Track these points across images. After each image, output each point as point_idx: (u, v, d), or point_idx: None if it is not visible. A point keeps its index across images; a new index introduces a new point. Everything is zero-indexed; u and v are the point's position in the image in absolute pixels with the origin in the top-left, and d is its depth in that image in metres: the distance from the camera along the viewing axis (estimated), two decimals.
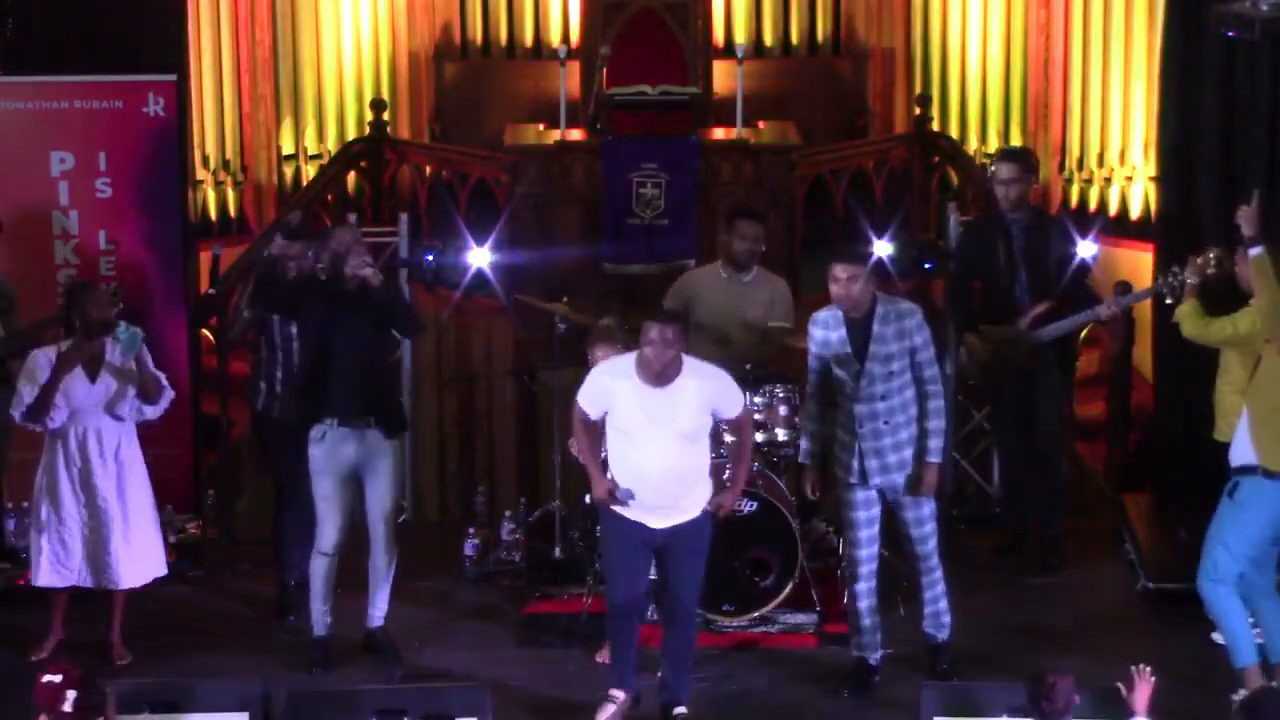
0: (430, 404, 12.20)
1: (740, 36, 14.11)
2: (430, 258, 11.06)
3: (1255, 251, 7.68)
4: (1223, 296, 8.16)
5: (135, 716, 6.61)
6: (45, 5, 10.73)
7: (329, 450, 8.29)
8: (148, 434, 8.68)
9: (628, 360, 7.64)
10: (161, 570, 8.70)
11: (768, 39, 14.45)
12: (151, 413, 8.53)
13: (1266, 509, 7.56)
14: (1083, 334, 10.40)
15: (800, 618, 8.87)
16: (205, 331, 11.08)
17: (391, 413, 8.47)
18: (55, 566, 8.49)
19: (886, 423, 7.97)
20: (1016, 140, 13.64)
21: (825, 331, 8.03)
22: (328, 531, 8.35)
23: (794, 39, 14.48)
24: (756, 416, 9.00)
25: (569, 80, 12.62)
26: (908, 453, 8.01)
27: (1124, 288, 9.96)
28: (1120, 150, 12.90)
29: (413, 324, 8.82)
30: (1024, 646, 8.61)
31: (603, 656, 8.37)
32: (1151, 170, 12.12)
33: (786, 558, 8.75)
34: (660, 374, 7.51)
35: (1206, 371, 8.60)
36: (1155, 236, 10.65)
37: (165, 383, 8.52)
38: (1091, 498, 11.00)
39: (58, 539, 8.46)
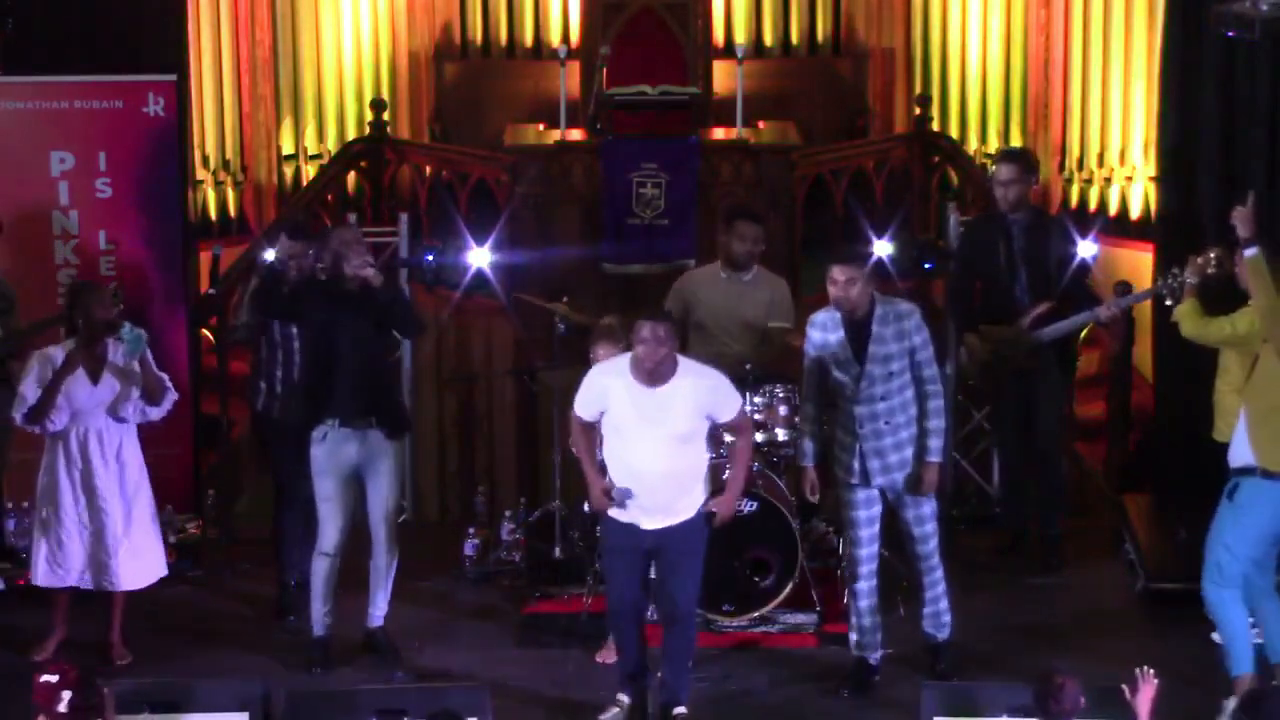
0: (430, 404, 12.20)
1: (740, 36, 14.11)
2: (430, 258, 11.06)
3: (1251, 252, 7.68)
4: (1222, 296, 8.16)
5: (135, 716, 6.61)
6: (45, 5, 10.73)
7: (330, 451, 8.29)
8: (148, 434, 8.68)
9: (623, 360, 7.64)
10: (162, 571, 8.71)
11: (768, 39, 14.44)
12: (155, 414, 8.53)
13: (1267, 510, 7.55)
14: (1083, 334, 10.39)
15: (800, 618, 8.87)
16: (205, 331, 11.08)
17: (393, 413, 8.47)
18: (55, 567, 8.50)
19: (887, 423, 7.97)
20: (1016, 140, 13.63)
21: (824, 333, 8.02)
22: (329, 532, 8.35)
23: (794, 39, 14.48)
24: (756, 416, 9.00)
25: (569, 80, 12.61)
26: (909, 452, 8.01)
27: (1124, 288, 9.97)
28: (1120, 150, 12.90)
29: (413, 324, 8.82)
30: (1024, 646, 8.61)
31: (603, 656, 8.38)
32: (1151, 170, 12.11)
33: (786, 558, 8.75)
34: (653, 373, 7.49)
35: (1206, 371, 8.60)
36: (1155, 236, 10.65)
37: (169, 384, 8.52)
38: (1091, 498, 11.00)
39: (57, 539, 8.47)
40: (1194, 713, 7.46)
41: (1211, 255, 8.24)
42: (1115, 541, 9.80)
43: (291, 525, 8.95)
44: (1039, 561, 9.63)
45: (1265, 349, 7.63)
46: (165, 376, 8.53)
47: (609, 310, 9.90)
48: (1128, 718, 6.28)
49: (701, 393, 7.57)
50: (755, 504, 8.70)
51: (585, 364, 8.21)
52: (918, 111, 13.42)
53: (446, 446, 12.38)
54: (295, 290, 8.56)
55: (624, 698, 7.82)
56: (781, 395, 9.06)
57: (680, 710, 7.76)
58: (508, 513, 10.00)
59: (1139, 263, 11.57)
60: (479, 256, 11.09)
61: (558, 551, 9.57)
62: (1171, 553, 9.22)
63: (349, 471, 8.34)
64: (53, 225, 10.19)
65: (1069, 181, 13.22)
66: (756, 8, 14.44)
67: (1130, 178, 12.83)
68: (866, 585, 8.13)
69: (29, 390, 8.36)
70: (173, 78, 10.35)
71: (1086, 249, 9.63)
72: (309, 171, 13.67)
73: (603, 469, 7.72)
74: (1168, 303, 8.66)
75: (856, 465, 8.02)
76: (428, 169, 13.06)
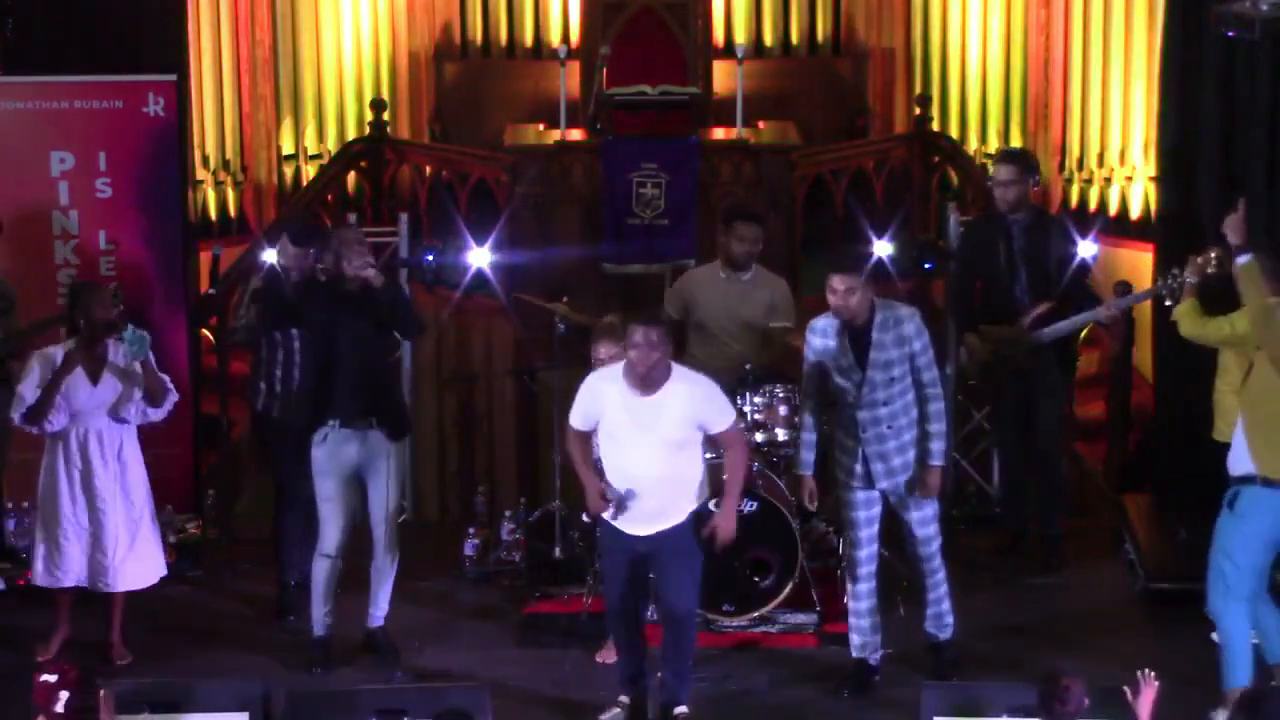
0: (430, 404, 12.19)
1: (740, 36, 14.11)
2: (430, 258, 11.05)
3: (1243, 260, 7.68)
4: (1222, 296, 8.15)
5: (135, 716, 6.61)
6: (45, 5, 10.73)
7: (331, 451, 8.29)
8: (148, 434, 8.69)
9: (617, 367, 7.63)
10: (161, 572, 8.70)
11: (768, 39, 14.44)
12: (155, 415, 8.53)
13: (1267, 518, 7.51)
14: (1083, 334, 10.39)
15: (800, 618, 8.87)
16: (205, 331, 11.08)
17: (394, 414, 8.47)
18: (53, 568, 8.49)
19: (890, 427, 7.97)
20: (1016, 140, 13.63)
21: (824, 340, 8.01)
22: (330, 533, 8.35)
23: (794, 39, 14.47)
24: (756, 416, 9.01)
25: (569, 80, 12.61)
26: (911, 455, 8.01)
27: (1124, 288, 9.97)
28: (1120, 150, 12.89)
29: (414, 324, 8.82)
30: (1024, 646, 8.61)
31: (603, 656, 8.38)
32: (1151, 170, 12.11)
33: (786, 558, 8.75)
34: (645, 378, 7.47)
35: (1206, 371, 8.60)
36: (1155, 236, 10.64)
37: (170, 385, 8.52)
38: (1091, 498, 10.99)
39: (56, 540, 8.46)
40: (1194, 713, 7.46)
41: (1211, 255, 8.23)
42: (1115, 541, 9.80)
43: (291, 525, 8.95)
44: (1039, 561, 9.63)
45: (1259, 356, 7.62)
46: (166, 377, 8.52)
47: (609, 310, 9.89)
48: (1129, 719, 6.28)
49: (695, 400, 7.54)
50: (755, 504, 8.70)
51: (585, 364, 8.21)
52: (918, 111, 13.42)
53: (446, 446, 12.38)
54: (296, 293, 8.56)
55: (624, 698, 7.82)
56: (781, 395, 9.06)
57: (680, 710, 7.76)
58: (508, 513, 10.00)
59: (1139, 263, 11.57)
60: (479, 256, 11.08)
61: (558, 551, 9.57)
62: (1171, 553, 9.22)
63: (350, 472, 8.34)
64: (53, 225, 10.18)
65: (1069, 181, 13.22)
66: (756, 8, 14.44)
67: (1130, 178, 12.83)
68: (866, 586, 8.13)
69: (28, 390, 8.36)
70: (173, 78, 10.35)
71: (1086, 249, 9.62)
72: (309, 171, 13.67)
73: (600, 472, 7.72)
74: (1167, 303, 8.66)
75: (859, 469, 8.02)
76: (428, 169, 13.06)
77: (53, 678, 6.14)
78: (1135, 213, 12.74)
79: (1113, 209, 12.82)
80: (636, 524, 7.63)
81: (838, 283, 7.88)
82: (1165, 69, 10.22)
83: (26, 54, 10.58)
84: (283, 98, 13.72)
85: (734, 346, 9.22)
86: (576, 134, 12.39)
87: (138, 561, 8.52)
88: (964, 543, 9.79)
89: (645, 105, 12.20)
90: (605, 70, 12.20)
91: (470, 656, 8.56)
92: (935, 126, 13.53)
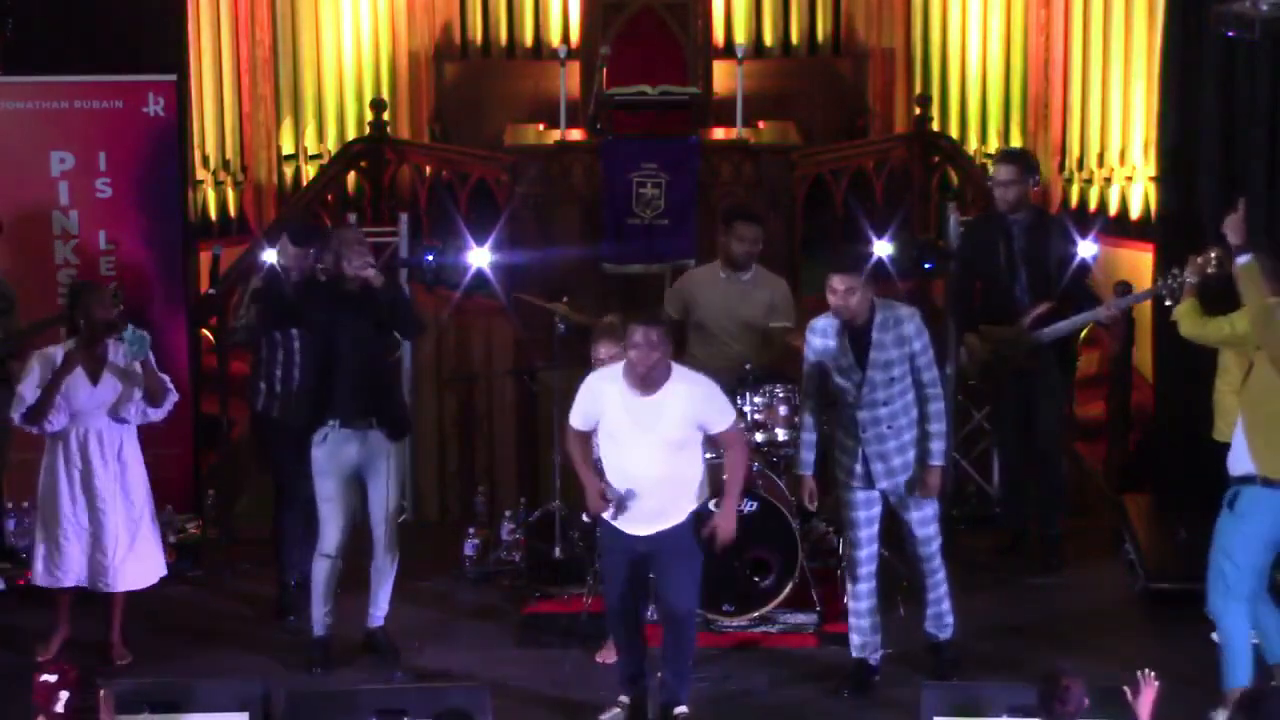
0: (430, 404, 12.19)
1: (740, 36, 14.11)
2: (430, 258, 11.05)
3: (1243, 260, 7.68)
4: (1222, 296, 8.15)
5: (135, 716, 6.61)
6: (45, 5, 10.73)
7: (331, 451, 8.29)
8: (148, 434, 8.69)
9: (617, 367, 7.63)
10: (161, 573, 8.70)
11: (768, 39, 14.44)
12: (156, 415, 8.53)
13: (1267, 518, 7.51)
14: (1083, 334, 10.39)
15: (800, 618, 8.87)
16: (205, 331, 11.08)
17: (394, 414, 8.47)
18: (53, 568, 8.49)
19: (890, 427, 7.97)
20: (1016, 140, 13.63)
21: (824, 340, 8.01)
22: (330, 533, 8.35)
23: (794, 39, 14.48)
24: (756, 416, 9.01)
25: (569, 80, 12.61)
26: (912, 454, 8.02)
27: (1124, 288, 9.97)
28: (1120, 150, 12.89)
29: (414, 324, 8.82)
30: (1024, 646, 8.61)
31: (603, 656, 8.38)
32: (1151, 170, 12.11)
33: (786, 558, 8.75)
34: (645, 378, 7.47)
35: (1206, 371, 8.59)
36: (1155, 236, 10.64)
37: (170, 385, 8.51)
38: (1091, 498, 10.99)
39: (56, 540, 8.46)
40: (1194, 712, 7.46)
41: (1211, 255, 8.23)
42: (1115, 541, 9.80)
43: (291, 525, 8.95)
44: (1039, 561, 9.63)
45: (1259, 356, 7.62)
46: (166, 377, 8.52)
47: (609, 310, 9.89)
48: (1129, 719, 6.28)
49: (694, 400, 7.54)
50: (755, 504, 8.70)
51: (585, 364, 8.21)
52: (918, 111, 13.42)
53: (446, 446, 12.38)
54: (296, 293, 8.56)
55: (624, 698, 7.82)
56: (781, 395, 9.06)
57: (680, 710, 7.76)
58: (508, 513, 10.00)
59: (1139, 263, 11.57)
60: (479, 256, 11.08)
61: (558, 551, 9.57)
62: (1171, 553, 9.22)
63: (350, 472, 8.34)
64: (53, 225, 10.19)
65: (1069, 181, 13.22)
66: (756, 8, 14.44)
67: (1130, 178, 12.83)
68: (866, 586, 8.13)
69: (28, 390, 8.35)
70: (173, 78, 10.35)
71: (1086, 249, 9.62)
72: (309, 171, 13.67)
73: (600, 472, 7.72)
74: (1167, 303, 8.66)
75: (859, 469, 8.02)
76: (428, 169, 13.06)
77: (53, 678, 6.14)
78: (1135, 213, 12.74)
79: (1113, 209, 12.82)
80: (636, 524, 7.64)
81: (838, 283, 7.88)
82: (1165, 69, 10.22)
83: (26, 54, 10.59)
84: (283, 98, 13.72)
85: (734, 346, 9.22)
86: (576, 134, 12.40)
87: (138, 561, 8.53)
88: (964, 543, 9.79)
89: (645, 105, 12.20)
90: (605, 70, 12.20)
91: (470, 656, 8.56)
92: (935, 126, 13.53)
